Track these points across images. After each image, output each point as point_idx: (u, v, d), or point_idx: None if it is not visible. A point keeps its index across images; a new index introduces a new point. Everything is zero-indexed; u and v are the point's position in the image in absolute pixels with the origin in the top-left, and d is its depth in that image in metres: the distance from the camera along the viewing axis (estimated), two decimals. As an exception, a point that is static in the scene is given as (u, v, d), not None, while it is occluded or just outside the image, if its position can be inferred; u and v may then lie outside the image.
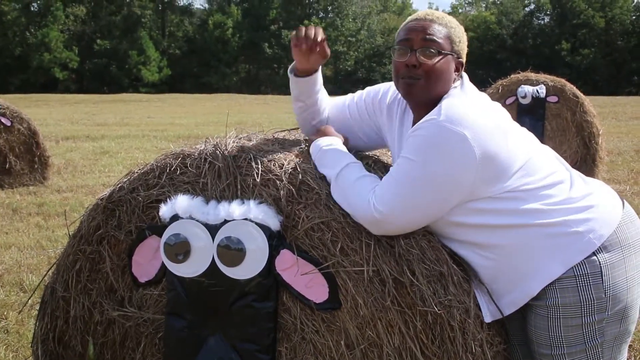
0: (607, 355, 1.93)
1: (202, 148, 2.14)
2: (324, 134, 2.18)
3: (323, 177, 2.02)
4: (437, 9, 2.68)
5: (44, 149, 8.82)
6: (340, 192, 1.95)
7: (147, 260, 2.13)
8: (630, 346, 2.22)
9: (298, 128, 2.51)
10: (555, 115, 8.85)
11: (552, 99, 8.80)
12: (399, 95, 2.12)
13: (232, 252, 1.97)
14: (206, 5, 59.39)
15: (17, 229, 6.41)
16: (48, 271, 2.37)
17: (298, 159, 2.08)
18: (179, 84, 48.11)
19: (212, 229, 2.00)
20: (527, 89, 8.83)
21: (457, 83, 2.02)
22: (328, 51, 2.14)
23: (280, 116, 21.06)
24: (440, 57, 1.96)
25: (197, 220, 2.02)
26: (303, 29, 2.11)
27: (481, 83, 7.96)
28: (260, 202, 1.98)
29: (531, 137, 2.01)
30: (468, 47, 2.12)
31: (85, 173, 9.90)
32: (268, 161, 2.05)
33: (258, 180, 2.00)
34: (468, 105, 1.89)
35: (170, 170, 2.12)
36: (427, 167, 1.83)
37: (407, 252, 1.91)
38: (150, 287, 2.16)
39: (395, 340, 1.90)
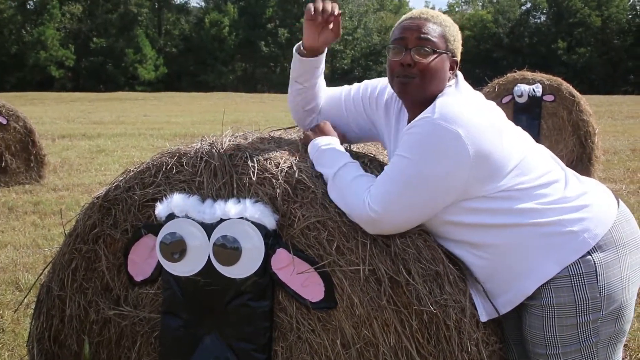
0: (602, 354, 1.93)
1: (198, 147, 2.14)
2: (322, 132, 2.16)
3: (319, 176, 2.02)
4: (433, 8, 2.68)
5: (39, 147, 8.80)
6: (337, 192, 1.95)
7: (143, 259, 2.13)
8: (625, 345, 2.22)
9: (294, 127, 2.51)
10: (551, 114, 8.85)
11: (549, 97, 8.81)
12: (396, 93, 2.12)
13: (228, 251, 1.97)
14: (202, 4, 59.48)
15: (12, 227, 6.39)
16: (44, 270, 2.37)
17: (294, 158, 2.08)
18: (175, 82, 48.06)
19: (208, 228, 2.00)
20: (524, 87, 8.84)
21: (452, 82, 2.02)
22: (341, 29, 2.12)
23: (276, 115, 21.04)
24: (435, 55, 1.96)
25: (193, 219, 2.02)
26: (320, 1, 2.07)
27: (478, 82, 7.98)
28: (256, 201, 1.98)
29: (526, 136, 2.01)
30: (464, 45, 2.12)
31: (81, 171, 9.88)
32: (264, 160, 2.05)
33: (254, 179, 2.00)
34: (463, 104, 1.89)
35: (166, 168, 2.12)
36: (420, 165, 1.83)
37: (403, 251, 1.91)
38: (146, 286, 2.16)
39: (391, 340, 1.90)
